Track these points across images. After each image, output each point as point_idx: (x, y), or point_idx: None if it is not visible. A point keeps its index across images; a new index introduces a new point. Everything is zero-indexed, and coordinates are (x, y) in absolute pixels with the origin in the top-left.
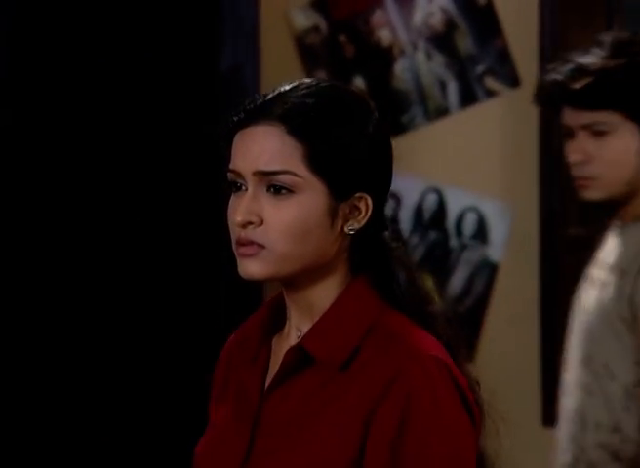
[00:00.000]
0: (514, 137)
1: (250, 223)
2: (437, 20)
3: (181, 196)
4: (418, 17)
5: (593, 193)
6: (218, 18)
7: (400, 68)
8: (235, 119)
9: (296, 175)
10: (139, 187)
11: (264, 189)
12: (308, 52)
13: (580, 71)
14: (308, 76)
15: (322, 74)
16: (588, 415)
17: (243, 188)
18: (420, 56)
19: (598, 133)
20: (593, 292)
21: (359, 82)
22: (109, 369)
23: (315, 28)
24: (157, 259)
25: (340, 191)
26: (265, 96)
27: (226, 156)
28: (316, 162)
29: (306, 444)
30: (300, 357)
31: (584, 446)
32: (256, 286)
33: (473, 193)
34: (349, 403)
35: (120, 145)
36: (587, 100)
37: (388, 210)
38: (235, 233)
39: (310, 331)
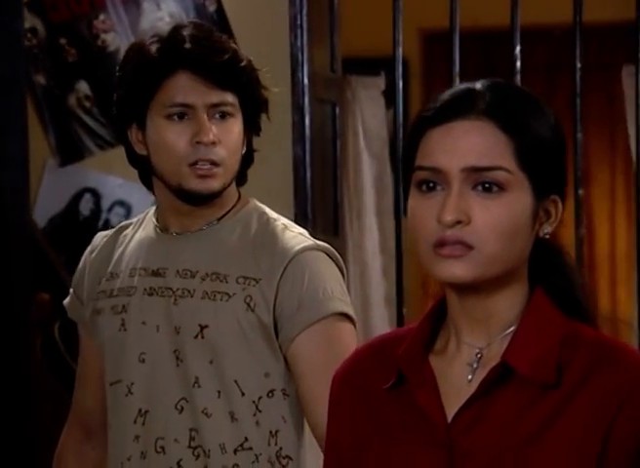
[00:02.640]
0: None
1: (458, 222)
2: (166, 26)
3: None
4: (145, 22)
5: (216, 183)
6: None
7: None
8: (428, 115)
9: (508, 171)
10: None
11: (469, 187)
12: (26, 54)
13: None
14: (28, 79)
15: (42, 78)
16: None
17: (438, 188)
18: None
19: (223, 115)
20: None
21: (83, 87)
22: None
23: (32, 30)
24: None
25: (541, 190)
26: (453, 92)
27: (409, 155)
28: (525, 158)
29: (533, 466)
30: (501, 375)
31: None
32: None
33: None
34: (579, 421)
35: None
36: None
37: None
38: (434, 234)
39: (510, 346)
